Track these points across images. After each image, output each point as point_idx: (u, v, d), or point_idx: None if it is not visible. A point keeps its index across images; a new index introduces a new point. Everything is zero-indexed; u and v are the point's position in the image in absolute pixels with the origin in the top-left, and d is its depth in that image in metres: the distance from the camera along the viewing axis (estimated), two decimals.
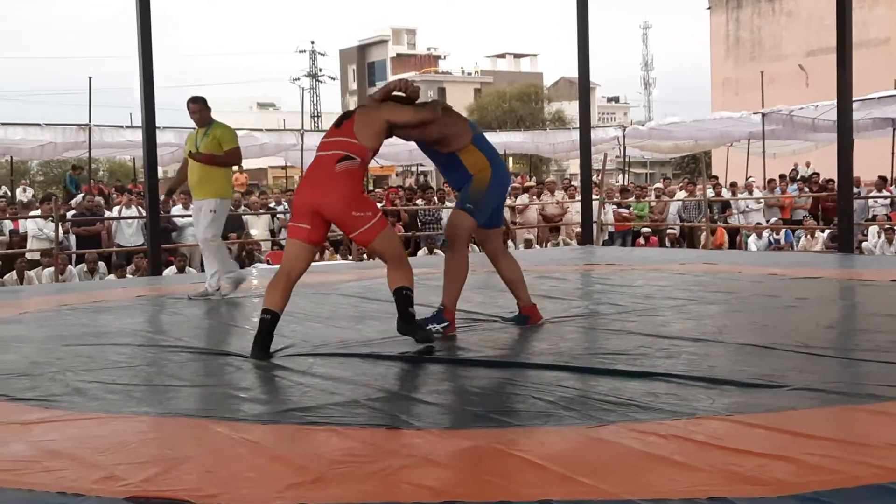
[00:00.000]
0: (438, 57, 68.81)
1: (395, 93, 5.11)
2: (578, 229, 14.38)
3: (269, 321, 4.70)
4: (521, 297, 5.60)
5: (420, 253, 14.26)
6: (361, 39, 69.86)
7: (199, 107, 7.46)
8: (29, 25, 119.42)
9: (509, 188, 6.38)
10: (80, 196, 15.90)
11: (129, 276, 11.97)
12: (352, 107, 5.16)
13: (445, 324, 5.23)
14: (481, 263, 10.35)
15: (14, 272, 11.58)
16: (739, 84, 31.95)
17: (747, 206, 16.88)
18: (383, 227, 4.80)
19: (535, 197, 17.74)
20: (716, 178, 19.40)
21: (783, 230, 15.51)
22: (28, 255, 12.20)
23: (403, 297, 4.80)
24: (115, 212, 14.31)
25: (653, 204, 17.21)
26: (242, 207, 15.48)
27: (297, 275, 4.80)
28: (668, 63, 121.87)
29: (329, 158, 4.76)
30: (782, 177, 18.46)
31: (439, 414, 3.43)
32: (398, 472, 2.77)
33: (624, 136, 22.50)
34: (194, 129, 7.62)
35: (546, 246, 15.61)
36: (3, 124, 17.86)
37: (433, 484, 2.64)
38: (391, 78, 65.47)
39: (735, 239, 16.19)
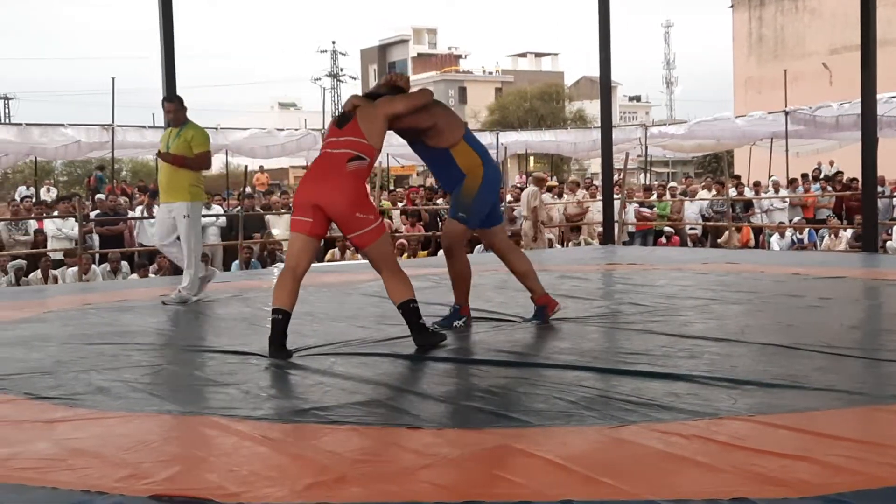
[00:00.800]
0: (459, 56, 68.79)
1: (384, 87, 5.14)
2: (600, 229, 14.34)
3: (281, 321, 4.68)
4: (534, 288, 5.64)
5: (441, 252, 14.25)
6: (382, 39, 69.96)
7: (174, 106, 7.27)
8: (53, 27, 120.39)
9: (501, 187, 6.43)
10: (100, 195, 15.99)
11: (151, 275, 12.04)
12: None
13: (464, 318, 5.46)
14: (500, 262, 10.36)
15: (39, 271, 11.67)
16: (762, 82, 31.75)
17: (771, 205, 16.77)
18: (382, 232, 4.82)
19: (555, 196, 17.69)
20: (738, 177, 19.28)
21: (806, 229, 15.41)
22: (52, 255, 12.29)
23: (412, 311, 4.78)
24: (137, 211, 14.38)
25: (672, 203, 17.13)
26: (263, 207, 15.52)
27: (302, 270, 4.79)
28: (691, 61, 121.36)
29: (340, 157, 4.75)
30: (805, 176, 18.33)
31: (460, 414, 3.43)
32: (419, 471, 2.77)
33: (646, 136, 22.41)
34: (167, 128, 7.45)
35: (567, 245, 15.57)
36: (28, 124, 17.99)
37: (454, 484, 2.64)
38: (412, 77, 65.80)
39: (758, 238, 16.10)
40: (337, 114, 4.99)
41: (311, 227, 4.73)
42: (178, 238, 7.20)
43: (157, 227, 7.56)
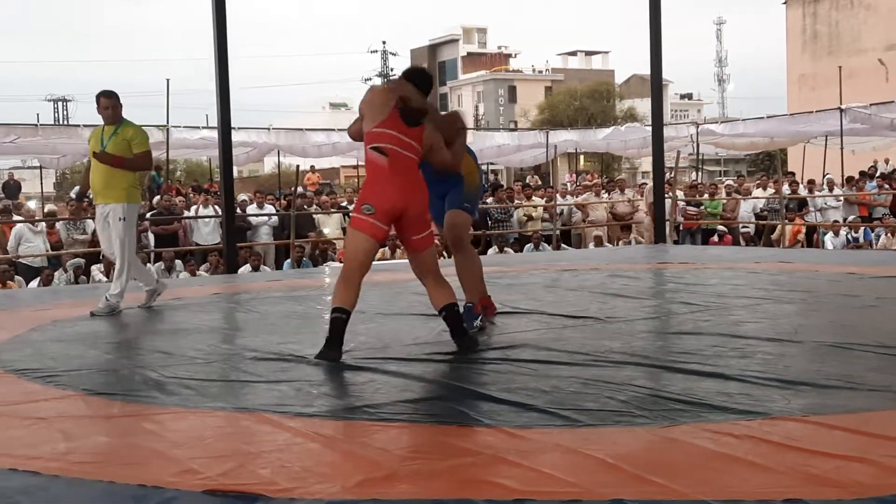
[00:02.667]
0: (509, 55, 68.67)
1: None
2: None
3: (344, 321, 4.67)
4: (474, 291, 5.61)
5: (490, 251, 14.24)
6: (432, 39, 70.07)
7: (113, 102, 6.80)
8: (109, 29, 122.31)
9: None
10: (157, 197, 16.21)
11: (201, 273, 12.20)
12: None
13: (480, 316, 5.41)
14: (549, 261, 10.35)
15: (101, 265, 11.90)
16: (816, 79, 31.29)
17: (825, 204, 16.53)
18: (434, 240, 4.89)
19: (604, 194, 17.62)
20: (792, 174, 19.02)
21: (862, 228, 15.16)
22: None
23: (457, 314, 4.81)
24: (192, 211, 14.57)
25: (725, 202, 16.95)
26: (314, 206, 15.64)
27: (366, 272, 4.79)
28: (743, 59, 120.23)
29: (413, 162, 4.78)
30: (862, 174, 18.04)
31: (510, 412, 3.44)
32: (469, 469, 2.78)
33: (697, 134, 22.21)
34: (101, 125, 6.93)
35: (617, 244, 15.49)
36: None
37: (504, 482, 2.65)
38: (461, 77, 65.83)
39: (812, 237, 15.87)
40: (401, 106, 4.76)
41: (385, 233, 4.76)
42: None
43: (99, 234, 7.05)
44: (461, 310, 4.91)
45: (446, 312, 4.78)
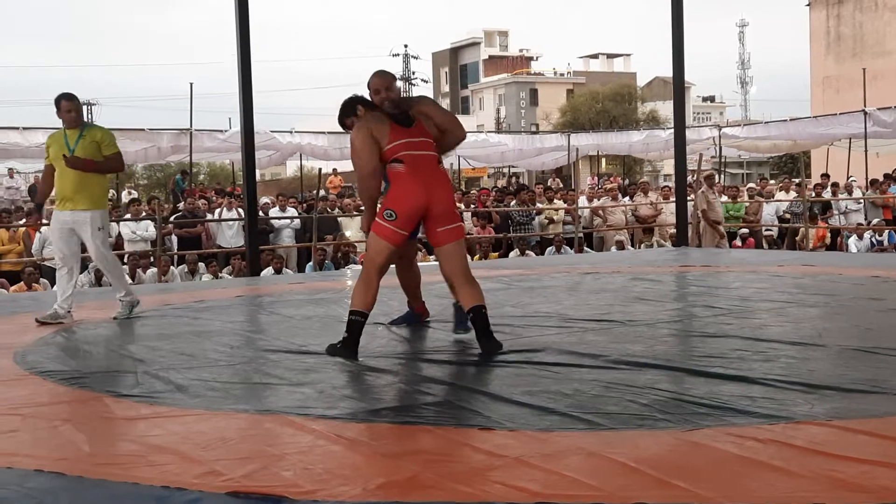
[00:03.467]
0: (531, 58, 68.61)
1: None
2: (673, 230, 14.18)
3: (362, 323, 4.73)
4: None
5: (512, 254, 14.23)
6: (454, 42, 70.11)
7: (75, 105, 6.63)
8: (134, 34, 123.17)
9: None
10: (184, 200, 16.31)
11: (224, 274, 12.27)
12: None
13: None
14: (572, 264, 10.33)
15: (127, 267, 11.98)
16: (840, 82, 31.06)
17: (846, 207, 16.42)
18: (464, 234, 4.84)
19: (626, 198, 17.57)
20: (828, 176, 18.83)
21: (886, 231, 15.03)
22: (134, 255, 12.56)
23: (485, 317, 4.75)
24: (216, 214, 14.65)
25: (747, 204, 16.85)
26: (336, 209, 15.69)
27: (383, 276, 4.86)
28: (766, 61, 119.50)
29: (432, 159, 4.82)
30: (886, 176, 17.90)
31: (532, 415, 3.44)
32: (491, 472, 2.78)
33: (720, 136, 22.11)
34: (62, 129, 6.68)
35: (640, 247, 15.44)
36: (110, 129, 18.44)
37: (526, 485, 2.65)
38: (483, 80, 65.81)
39: (836, 240, 15.76)
40: (392, 112, 4.87)
41: (405, 239, 4.83)
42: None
43: (58, 242, 6.60)
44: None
45: (473, 314, 4.75)
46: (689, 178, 15.73)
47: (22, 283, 11.23)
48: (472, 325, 4.78)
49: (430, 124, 4.92)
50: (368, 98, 5.05)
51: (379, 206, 4.81)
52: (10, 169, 24.50)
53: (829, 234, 15.67)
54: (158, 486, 2.73)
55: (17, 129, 17.10)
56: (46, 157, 6.75)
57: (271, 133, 18.25)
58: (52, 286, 11.41)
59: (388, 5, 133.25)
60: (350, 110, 5.19)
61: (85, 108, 54.25)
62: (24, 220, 13.24)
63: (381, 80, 4.94)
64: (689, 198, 13.37)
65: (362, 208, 5.03)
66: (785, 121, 21.95)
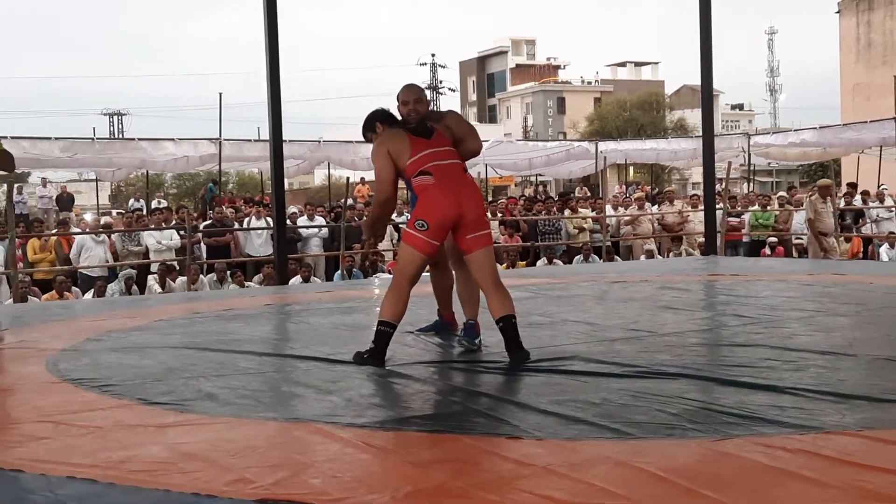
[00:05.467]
0: (558, 67, 68.59)
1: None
2: (701, 239, 14.11)
3: (390, 334, 4.75)
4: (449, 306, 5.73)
5: (539, 263, 14.22)
6: (481, 51, 70.21)
7: None
8: (164, 44, 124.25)
9: None
10: (215, 209, 16.46)
11: (251, 283, 12.34)
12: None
13: (479, 337, 5.19)
14: (599, 273, 10.30)
15: (156, 276, 12.11)
16: (871, 89, 30.79)
17: (877, 215, 16.28)
18: (493, 241, 4.85)
19: (654, 207, 17.51)
20: (854, 185, 18.68)
21: None
22: (156, 266, 12.68)
23: (514, 326, 4.73)
24: (245, 223, 14.74)
25: (777, 213, 16.74)
26: (364, 218, 15.72)
27: (413, 286, 4.86)
28: (795, 68, 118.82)
29: (458, 167, 4.85)
30: None
31: (560, 424, 3.43)
32: (519, 481, 2.78)
33: (748, 144, 22.00)
34: None
35: (668, 256, 15.37)
36: (140, 139, 18.65)
37: (553, 494, 2.65)
38: (510, 88, 65.85)
39: (867, 248, 15.62)
40: (408, 125, 4.93)
41: (436, 249, 4.83)
42: None
43: None
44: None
45: (503, 323, 4.73)
46: (718, 187, 15.65)
47: (54, 291, 11.36)
48: (502, 334, 4.77)
49: (448, 133, 4.96)
50: (392, 110, 5.10)
51: (408, 216, 4.84)
52: (42, 178, 24.83)
53: (861, 244, 15.53)
54: (189, 493, 2.75)
55: (50, 139, 17.33)
56: None
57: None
58: (85, 294, 11.56)
59: (416, 15, 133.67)
60: (370, 126, 5.23)
61: (116, 118, 54.83)
62: (55, 230, 13.39)
63: (409, 92, 5.02)
64: (717, 206, 13.30)
65: (393, 217, 5.06)
66: (815, 128, 21.81)
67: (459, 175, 4.84)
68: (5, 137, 16.85)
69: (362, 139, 5.43)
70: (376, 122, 5.19)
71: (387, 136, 4.94)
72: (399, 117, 5.10)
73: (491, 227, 4.88)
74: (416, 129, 4.88)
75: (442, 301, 5.72)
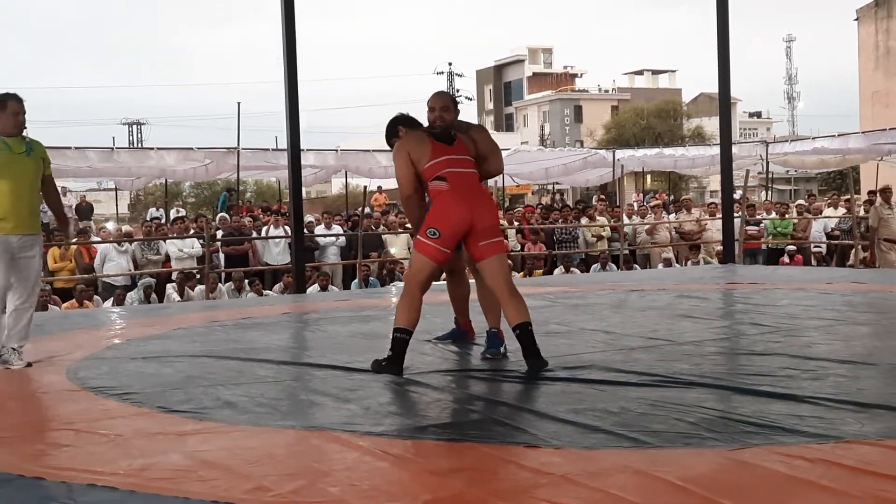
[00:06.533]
0: (575, 75, 68.54)
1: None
2: (719, 247, 14.05)
3: (406, 340, 4.77)
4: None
5: (556, 271, 14.20)
6: (498, 60, 70.23)
7: (23, 107, 5.49)
8: (182, 54, 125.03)
9: None
10: (222, 215, 16.51)
11: (269, 292, 12.37)
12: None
13: (504, 343, 5.19)
14: (616, 281, 10.28)
15: (175, 284, 12.17)
16: (890, 96, 30.62)
17: None
18: (507, 249, 4.84)
19: (671, 215, 17.46)
20: (875, 192, 18.54)
21: None
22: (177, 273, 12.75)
23: (531, 333, 4.74)
24: (263, 232, 14.79)
25: (796, 221, 16.65)
26: (381, 226, 15.76)
27: (425, 292, 4.91)
28: (813, 76, 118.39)
29: (473, 176, 4.88)
30: None
31: (578, 433, 3.43)
32: (536, 490, 2.79)
33: (766, 152, 21.91)
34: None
35: (686, 264, 15.32)
36: (159, 149, 18.75)
37: (571, 503, 2.65)
38: (527, 97, 65.84)
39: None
40: (433, 130, 4.99)
41: (447, 257, 4.86)
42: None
43: (9, 272, 5.38)
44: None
45: (519, 331, 4.74)
46: (736, 195, 15.58)
47: (74, 299, 11.42)
48: (518, 342, 4.77)
49: (472, 147, 4.97)
50: (415, 116, 5.14)
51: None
52: (62, 188, 24.97)
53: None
54: (208, 500, 2.77)
55: (69, 148, 17.43)
56: None
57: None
58: (105, 302, 11.63)
59: (433, 24, 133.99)
60: (393, 131, 5.28)
61: (135, 127, 55.13)
62: (76, 238, 13.47)
63: (436, 99, 5.10)
64: (735, 214, 13.25)
65: (408, 226, 5.10)
66: (833, 136, 21.71)
67: (474, 183, 4.88)
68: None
69: (379, 148, 5.47)
70: (399, 126, 5.25)
71: (409, 138, 5.02)
72: (426, 123, 5.15)
73: (503, 235, 4.87)
74: (438, 135, 4.93)
75: (459, 309, 5.72)
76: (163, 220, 18.54)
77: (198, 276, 12.49)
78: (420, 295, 4.84)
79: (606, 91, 65.32)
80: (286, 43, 9.85)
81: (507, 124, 67.52)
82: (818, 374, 4.40)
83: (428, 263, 4.81)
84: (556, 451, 3.21)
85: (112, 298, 11.72)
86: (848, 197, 16.55)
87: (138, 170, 18.75)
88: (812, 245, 16.00)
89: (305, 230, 12.91)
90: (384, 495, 2.79)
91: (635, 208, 18.92)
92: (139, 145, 42.45)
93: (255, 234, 14.58)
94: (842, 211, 16.62)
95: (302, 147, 10.95)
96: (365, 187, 17.48)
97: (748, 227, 15.88)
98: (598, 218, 16.32)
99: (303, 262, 10.75)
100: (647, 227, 16.46)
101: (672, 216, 17.69)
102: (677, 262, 15.71)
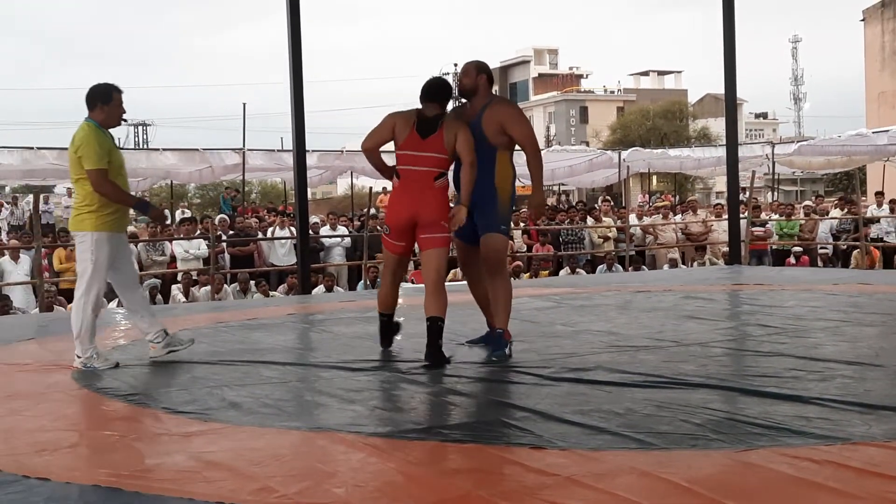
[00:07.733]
0: (580, 76, 68.47)
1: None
2: (725, 248, 14.02)
3: (384, 321, 5.46)
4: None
5: (562, 272, 14.18)
6: (503, 60, 70.15)
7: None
8: (188, 56, 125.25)
9: None
10: (224, 215, 16.52)
11: (274, 293, 12.38)
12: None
13: (510, 343, 5.24)
14: (623, 282, 10.27)
15: (180, 285, 12.17)
16: None
17: None
18: (448, 245, 5.14)
19: (677, 216, 17.44)
20: (882, 194, 18.52)
21: None
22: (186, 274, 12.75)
23: (438, 329, 5.00)
24: (269, 232, 14.80)
25: (802, 222, 16.62)
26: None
27: (399, 280, 5.44)
28: (820, 77, 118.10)
29: (424, 175, 5.02)
30: None
31: (584, 434, 3.43)
32: (542, 491, 2.78)
33: (773, 153, 21.88)
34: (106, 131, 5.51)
35: (692, 265, 15.30)
36: (164, 150, 18.78)
37: None
38: (533, 98, 65.81)
39: (892, 258, 15.46)
40: (416, 120, 5.07)
41: (401, 248, 5.22)
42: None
43: (126, 268, 5.63)
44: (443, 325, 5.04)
45: (430, 323, 5.00)
46: (742, 196, 15.56)
47: None
48: (427, 333, 4.97)
49: (451, 141, 5.00)
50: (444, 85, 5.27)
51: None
52: (68, 188, 25.01)
53: (880, 254, 15.38)
54: (213, 501, 2.76)
55: None
56: (105, 160, 5.32)
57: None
58: (110, 303, 11.61)
59: (438, 24, 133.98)
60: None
61: (141, 128, 55.20)
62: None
63: (463, 66, 5.33)
64: (741, 215, 13.23)
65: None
66: (839, 137, 21.69)
67: (423, 181, 5.02)
68: (31, 148, 17.06)
69: (385, 149, 5.46)
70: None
71: (401, 114, 5.17)
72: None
73: (446, 230, 5.04)
74: (422, 123, 5.06)
75: (484, 308, 5.55)
76: (168, 221, 18.55)
77: (196, 281, 12.46)
78: (389, 280, 5.38)
79: (612, 92, 65.24)
80: (292, 44, 9.85)
81: None
82: (825, 375, 4.39)
83: (388, 255, 5.31)
84: (561, 452, 3.21)
85: (117, 299, 11.71)
86: (854, 198, 16.50)
87: (144, 170, 18.77)
88: (818, 246, 15.95)
89: (311, 231, 12.91)
90: (389, 497, 2.78)
91: (644, 209, 18.89)
92: (145, 146, 42.50)
93: (260, 235, 14.59)
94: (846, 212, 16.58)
95: (307, 148, 10.94)
96: (370, 188, 17.49)
97: (755, 229, 15.84)
98: (604, 219, 16.31)
99: (308, 263, 10.75)
100: (649, 227, 16.43)
101: (678, 217, 17.66)
102: (683, 263, 15.69)
